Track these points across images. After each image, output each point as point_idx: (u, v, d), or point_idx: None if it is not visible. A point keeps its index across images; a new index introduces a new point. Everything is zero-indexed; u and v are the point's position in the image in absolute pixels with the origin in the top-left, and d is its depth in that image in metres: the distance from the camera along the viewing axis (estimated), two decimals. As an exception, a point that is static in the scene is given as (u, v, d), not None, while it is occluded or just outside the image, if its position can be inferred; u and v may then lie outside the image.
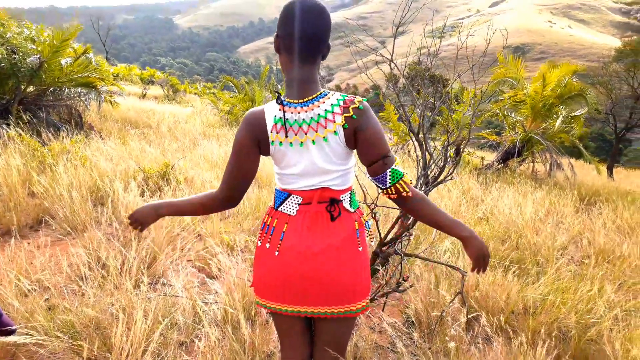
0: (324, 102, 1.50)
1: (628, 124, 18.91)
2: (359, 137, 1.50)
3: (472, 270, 1.58)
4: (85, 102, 8.54)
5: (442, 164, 2.84)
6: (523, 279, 3.76)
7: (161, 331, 2.34)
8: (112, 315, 2.50)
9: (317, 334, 1.74)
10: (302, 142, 1.51)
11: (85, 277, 2.84)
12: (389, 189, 1.55)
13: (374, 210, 2.85)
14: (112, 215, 3.96)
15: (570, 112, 10.85)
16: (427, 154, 2.79)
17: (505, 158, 10.65)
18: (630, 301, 3.46)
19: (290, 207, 1.59)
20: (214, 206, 1.66)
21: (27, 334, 2.25)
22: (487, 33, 3.03)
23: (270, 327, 2.66)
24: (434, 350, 2.65)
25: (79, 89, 8.36)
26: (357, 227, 1.61)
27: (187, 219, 4.10)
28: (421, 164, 2.82)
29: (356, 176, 2.92)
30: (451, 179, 2.73)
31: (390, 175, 1.53)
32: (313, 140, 1.49)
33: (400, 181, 1.53)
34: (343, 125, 1.47)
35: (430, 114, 3.10)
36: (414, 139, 2.95)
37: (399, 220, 2.87)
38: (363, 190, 3.06)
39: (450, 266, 2.85)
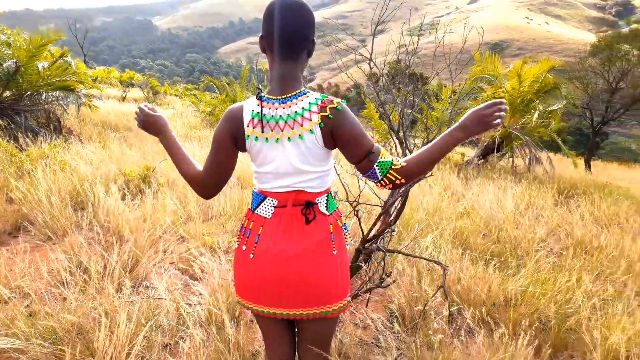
0: (302, 100, 1.50)
1: (604, 118, 19.27)
2: (340, 139, 1.50)
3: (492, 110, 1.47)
4: (64, 106, 8.41)
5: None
6: (504, 271, 3.83)
7: (145, 334, 2.34)
8: (94, 319, 2.49)
9: (299, 333, 1.75)
10: (277, 139, 1.51)
11: (67, 282, 2.82)
12: (382, 182, 1.54)
13: (356, 208, 2.88)
14: (94, 220, 3.93)
15: (547, 106, 11.02)
16: (407, 151, 2.82)
17: (485, 154, 10.78)
18: (608, 290, 3.54)
19: (266, 209, 1.60)
20: (193, 184, 1.66)
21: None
22: (464, 31, 3.07)
23: (255, 327, 2.68)
24: (418, 344, 2.68)
25: (57, 93, 8.23)
26: (331, 231, 1.60)
27: (169, 221, 4.08)
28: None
29: (338, 174, 2.95)
30: (431, 175, 2.76)
31: (379, 169, 1.51)
32: (289, 138, 1.49)
33: (390, 171, 1.51)
34: (319, 124, 1.47)
35: (410, 111, 3.14)
36: (394, 137, 2.98)
37: (381, 217, 2.90)
38: (345, 189, 3.08)
39: (431, 261, 2.89)
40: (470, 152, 12.22)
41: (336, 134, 1.49)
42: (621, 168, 20.96)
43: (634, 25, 21.66)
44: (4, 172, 4.78)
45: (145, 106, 1.73)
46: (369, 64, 3.05)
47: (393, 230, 3.03)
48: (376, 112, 9.20)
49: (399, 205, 2.89)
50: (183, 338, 2.59)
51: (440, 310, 3.20)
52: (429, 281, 3.31)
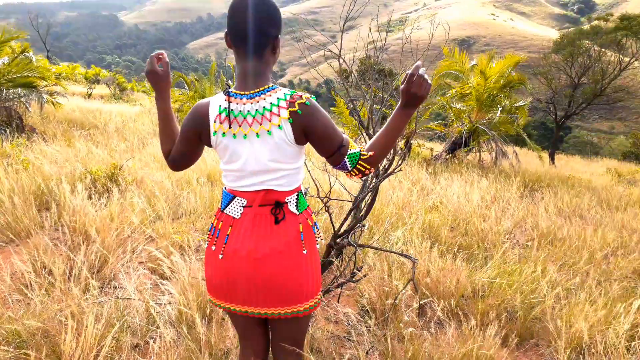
0: (270, 96, 1.49)
1: (567, 112, 19.82)
2: (312, 135, 1.50)
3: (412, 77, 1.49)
4: (26, 104, 8.16)
5: (391, 156, 2.91)
6: (472, 263, 3.91)
7: (114, 335, 2.31)
8: (60, 322, 2.43)
9: (272, 332, 1.75)
10: (245, 135, 1.50)
11: (31, 284, 2.75)
12: (352, 172, 1.57)
13: (327, 204, 2.89)
14: (59, 220, 3.83)
15: (513, 102, 11.27)
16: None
17: (453, 149, 10.96)
18: (571, 280, 3.66)
19: (235, 209, 1.59)
20: (164, 156, 1.72)
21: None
22: (431, 27, 3.11)
23: (226, 325, 2.66)
24: (389, 336, 2.72)
25: (19, 90, 7.99)
26: (301, 230, 1.60)
27: (136, 221, 4.01)
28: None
29: (309, 171, 2.96)
30: (399, 170, 2.80)
31: (349, 161, 1.54)
32: (257, 133, 1.48)
33: (360, 161, 1.54)
34: (288, 120, 1.46)
35: (378, 107, 3.16)
36: (364, 133, 3.00)
37: (352, 212, 2.93)
38: (316, 185, 3.09)
39: (401, 254, 2.93)
40: (438, 147, 12.40)
41: (308, 130, 1.49)
42: (583, 161, 21.60)
43: (595, 22, 22.29)
44: (-37, 172, 4.62)
45: (158, 57, 1.67)
46: (339, 61, 3.07)
47: (364, 225, 3.06)
48: (346, 108, 9.24)
49: (370, 200, 2.92)
50: (153, 338, 2.56)
51: (411, 303, 3.24)
52: (399, 275, 3.35)
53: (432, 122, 12.32)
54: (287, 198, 1.58)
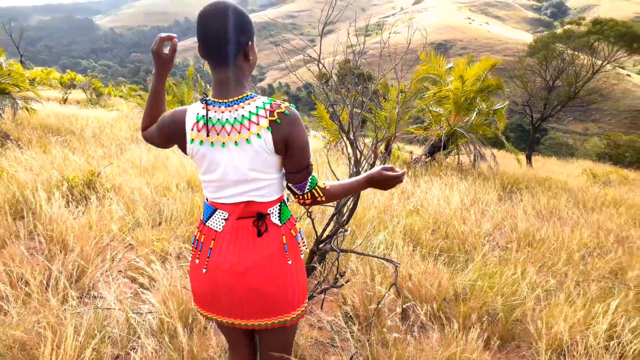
0: (249, 104, 1.47)
1: (543, 115, 20.18)
2: (291, 146, 1.49)
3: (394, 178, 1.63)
4: (-2, 110, 7.98)
5: (372, 160, 2.92)
6: (453, 266, 3.94)
7: (94, 346, 2.26)
8: (38, 334, 2.38)
9: (260, 341, 1.74)
10: (223, 143, 1.48)
11: (6, 295, 2.68)
12: (305, 195, 1.60)
13: (309, 210, 2.89)
14: (35, 229, 3.75)
15: (490, 105, 11.43)
16: (357, 151, 2.86)
17: (432, 152, 11.05)
18: (550, 281, 3.72)
19: (217, 222, 1.57)
20: (142, 126, 1.75)
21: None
22: (409, 32, 3.14)
23: (209, 334, 2.63)
24: (373, 342, 2.72)
25: (-9, 96, 7.81)
26: (285, 242, 1.58)
27: (115, 228, 3.95)
28: (353, 161, 2.89)
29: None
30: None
31: (309, 183, 1.58)
32: (236, 142, 1.46)
33: (316, 187, 1.59)
34: (267, 129, 1.45)
35: (359, 111, 3.18)
36: (345, 137, 3.01)
37: (334, 217, 2.93)
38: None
39: (383, 259, 2.94)
40: (418, 150, 12.50)
41: (289, 140, 1.48)
42: (559, 162, 22.01)
43: (568, 26, 22.83)
44: None
45: (164, 39, 1.62)
46: (318, 65, 3.07)
47: (346, 230, 3.06)
48: (327, 112, 9.26)
49: (352, 205, 2.92)
50: (134, 349, 2.52)
51: (394, 307, 3.26)
52: (381, 279, 3.36)
53: (411, 126, 12.40)
54: (269, 209, 1.57)
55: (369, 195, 5.69)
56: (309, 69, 3.32)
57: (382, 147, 9.10)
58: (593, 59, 19.46)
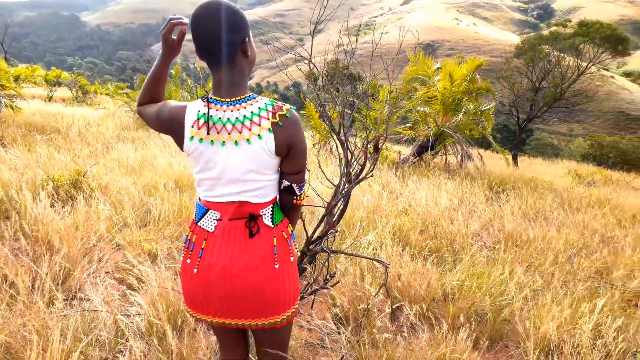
0: (251, 105, 1.48)
1: (529, 116, 20.41)
2: (293, 148, 1.51)
3: None
4: (-18, 108, 7.85)
5: (362, 161, 2.92)
6: (441, 266, 3.96)
7: (81, 349, 2.23)
8: (24, 337, 2.34)
9: (255, 339, 1.75)
10: (223, 142, 1.48)
11: (-8, 298, 2.63)
12: (300, 196, 1.65)
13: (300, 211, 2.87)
14: (20, 230, 3.68)
15: (478, 105, 11.49)
16: (348, 152, 2.86)
17: (420, 152, 11.08)
18: (538, 281, 3.75)
19: (209, 223, 1.57)
20: (139, 101, 1.71)
21: None
22: (400, 32, 3.14)
23: (198, 336, 2.61)
24: (362, 342, 2.72)
25: (-27, 93, 7.67)
26: (275, 244, 1.58)
27: (102, 228, 3.91)
28: (343, 162, 2.88)
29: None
30: (371, 176, 2.81)
31: (305, 184, 1.64)
32: (236, 142, 1.46)
33: (305, 189, 1.65)
34: (269, 130, 1.46)
35: (349, 112, 3.17)
36: (335, 137, 3.00)
37: (325, 218, 2.92)
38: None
39: (374, 259, 2.94)
40: (406, 151, 12.54)
41: (292, 143, 1.50)
42: (545, 163, 22.24)
43: (554, 28, 23.12)
44: None
45: (175, 24, 1.56)
46: (309, 65, 3.06)
47: (336, 231, 3.06)
48: (316, 111, 9.24)
49: (342, 205, 2.92)
50: (122, 351, 2.49)
51: (383, 307, 3.26)
52: (371, 279, 3.37)
53: (399, 126, 12.43)
54: (261, 211, 1.57)
55: (358, 195, 5.69)
56: (299, 68, 3.31)
57: (371, 147, 9.11)
58: (579, 61, 19.70)
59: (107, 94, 26.58)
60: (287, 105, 1.51)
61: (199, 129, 1.48)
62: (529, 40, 22.55)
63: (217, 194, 1.54)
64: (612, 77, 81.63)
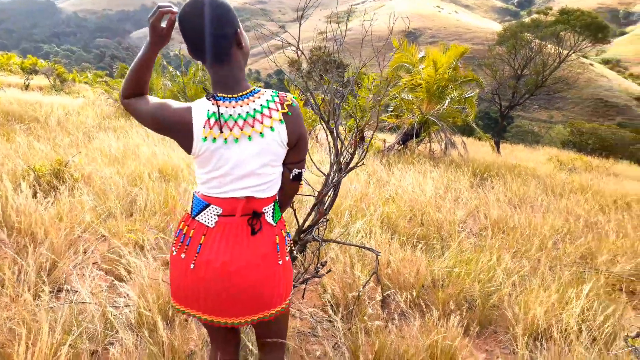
0: (259, 97, 1.46)
1: (511, 103, 20.59)
2: (300, 138, 1.53)
3: None
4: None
5: (352, 150, 2.90)
6: (430, 253, 3.98)
7: (70, 342, 2.18)
8: (11, 331, 2.28)
9: (255, 331, 1.75)
10: (237, 138, 1.44)
11: (-25, 292, 2.57)
12: (301, 182, 1.67)
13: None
14: (2, 221, 3.60)
15: (461, 93, 11.55)
16: (338, 141, 2.84)
17: (405, 140, 11.12)
18: (525, 267, 3.79)
19: (209, 218, 1.52)
20: (124, 93, 1.55)
21: None
22: (390, 19, 3.12)
23: (189, 327, 2.58)
24: (354, 330, 2.73)
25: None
26: (277, 242, 1.58)
27: (88, 218, 3.84)
28: (333, 151, 2.86)
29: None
30: (362, 164, 2.80)
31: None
32: (249, 136, 1.44)
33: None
34: (280, 121, 1.45)
35: (338, 101, 3.15)
36: (324, 126, 2.98)
37: (316, 207, 2.91)
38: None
39: (365, 248, 2.94)
40: (391, 138, 12.57)
41: (300, 131, 1.51)
42: (526, 150, 22.51)
43: (535, 15, 23.29)
44: None
45: (164, 12, 1.43)
46: (296, 51, 3.02)
47: (327, 220, 3.04)
48: (300, 99, 9.18)
49: (332, 194, 2.91)
50: (112, 344, 2.45)
51: (373, 295, 3.27)
52: (360, 267, 3.37)
53: (384, 114, 12.43)
54: (264, 208, 1.55)
55: (345, 184, 5.68)
56: (285, 54, 3.28)
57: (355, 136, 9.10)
58: (560, 49, 19.90)
59: (85, 82, 26.12)
60: (289, 94, 1.50)
61: (210, 128, 1.43)
62: (511, 27, 22.67)
63: (225, 190, 1.50)
64: (591, 64, 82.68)
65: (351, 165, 2.83)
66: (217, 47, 1.41)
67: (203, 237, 1.51)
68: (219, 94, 1.45)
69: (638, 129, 31.41)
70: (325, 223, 3.06)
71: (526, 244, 4.47)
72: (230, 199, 1.50)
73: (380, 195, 5.60)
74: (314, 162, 3.04)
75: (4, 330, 2.29)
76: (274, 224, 1.59)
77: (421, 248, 4.02)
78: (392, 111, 12.12)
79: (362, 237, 3.99)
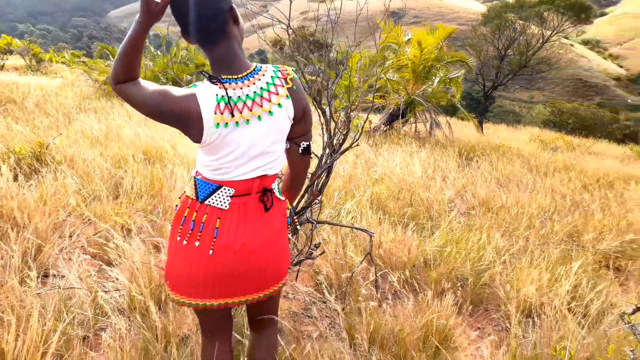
0: (263, 75, 1.42)
1: (495, 83, 20.67)
2: (305, 111, 1.51)
3: None
4: None
5: (345, 131, 2.86)
6: (420, 233, 3.98)
7: (61, 329, 2.13)
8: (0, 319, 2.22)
9: (248, 311, 1.73)
10: (247, 120, 1.39)
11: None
12: (311, 154, 1.67)
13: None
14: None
15: (446, 73, 11.53)
16: (332, 121, 2.79)
17: (391, 120, 11.09)
18: (514, 246, 3.82)
19: (221, 200, 1.45)
20: (113, 78, 1.40)
21: None
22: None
23: (183, 310, 2.54)
24: (349, 311, 2.72)
25: None
26: (288, 215, 1.61)
27: (73, 202, 3.74)
28: (326, 133, 2.82)
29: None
30: (357, 145, 2.77)
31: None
32: (259, 116, 1.39)
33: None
34: (286, 97, 1.42)
35: (332, 80, 3.09)
36: (317, 108, 2.92)
37: (309, 188, 2.87)
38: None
39: (359, 229, 2.92)
40: (376, 119, 12.53)
41: (305, 104, 1.49)
42: (508, 129, 22.68)
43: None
44: None
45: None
46: (287, 30, 2.95)
47: (320, 201, 3.01)
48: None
49: (324, 176, 2.87)
50: (104, 329, 2.40)
51: (366, 275, 3.26)
52: (352, 247, 3.35)
53: (370, 95, 12.36)
54: (272, 184, 1.53)
55: (335, 166, 5.64)
56: (276, 32, 3.20)
57: (342, 116, 9.06)
58: (543, 29, 19.97)
59: (63, 63, 25.42)
60: (288, 67, 1.47)
61: (222, 113, 1.35)
62: (495, 8, 22.66)
63: (238, 172, 1.44)
64: (572, 45, 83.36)
65: (344, 146, 2.79)
66: (213, 23, 1.34)
67: (218, 220, 1.45)
68: (223, 76, 1.38)
69: (616, 109, 31.95)
70: (319, 204, 3.02)
71: (514, 222, 4.50)
72: (245, 180, 1.45)
73: (369, 176, 5.58)
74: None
75: (-9, 318, 2.22)
76: (283, 199, 1.60)
77: (412, 228, 4.02)
78: (377, 91, 12.04)
79: (352, 218, 3.97)
